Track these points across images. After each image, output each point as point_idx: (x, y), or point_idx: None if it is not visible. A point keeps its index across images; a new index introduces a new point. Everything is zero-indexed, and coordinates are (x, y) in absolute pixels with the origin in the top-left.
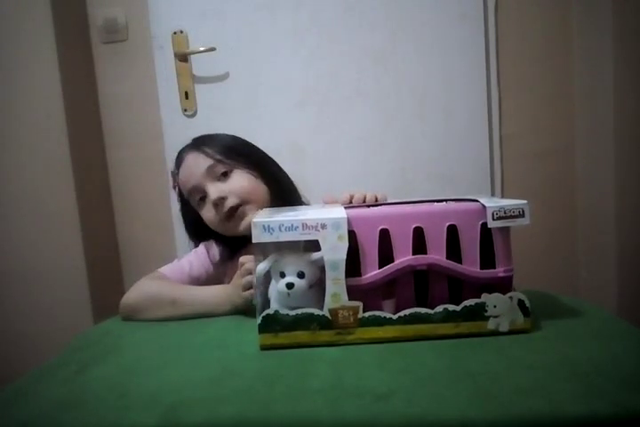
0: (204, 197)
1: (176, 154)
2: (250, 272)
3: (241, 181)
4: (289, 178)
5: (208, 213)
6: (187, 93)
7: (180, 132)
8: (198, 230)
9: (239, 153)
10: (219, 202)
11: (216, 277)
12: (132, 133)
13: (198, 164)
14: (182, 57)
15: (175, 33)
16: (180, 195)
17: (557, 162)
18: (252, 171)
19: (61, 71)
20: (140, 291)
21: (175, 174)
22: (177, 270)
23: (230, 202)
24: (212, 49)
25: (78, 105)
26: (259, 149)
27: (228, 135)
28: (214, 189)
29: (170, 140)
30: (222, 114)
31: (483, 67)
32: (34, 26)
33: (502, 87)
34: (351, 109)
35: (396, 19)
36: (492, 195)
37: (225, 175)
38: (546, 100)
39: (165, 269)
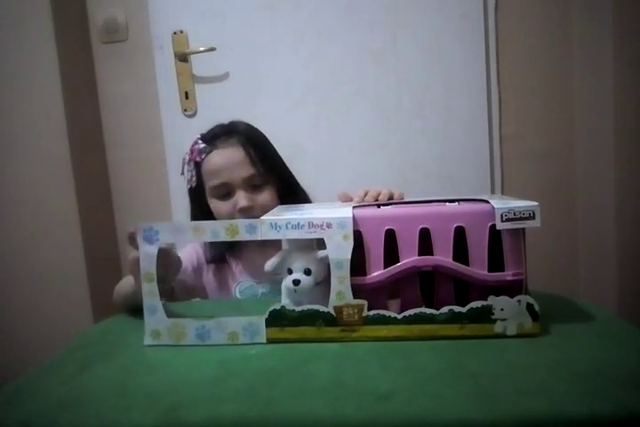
0: (227, 194)
1: (205, 133)
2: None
3: (269, 199)
4: (304, 193)
5: (222, 208)
6: (187, 93)
7: (180, 132)
8: (200, 215)
9: (276, 167)
10: (245, 210)
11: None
12: (131, 133)
13: (239, 164)
14: (182, 57)
15: (175, 33)
16: (198, 175)
17: (557, 162)
18: (277, 189)
19: (61, 71)
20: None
21: (202, 152)
22: None
23: (254, 214)
24: (212, 49)
25: (78, 105)
26: (282, 160)
27: (265, 137)
28: (245, 198)
29: (170, 141)
30: (222, 114)
31: (483, 67)
32: (34, 26)
33: (502, 87)
34: (351, 109)
35: (396, 19)
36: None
37: (257, 187)
38: (546, 100)
39: None
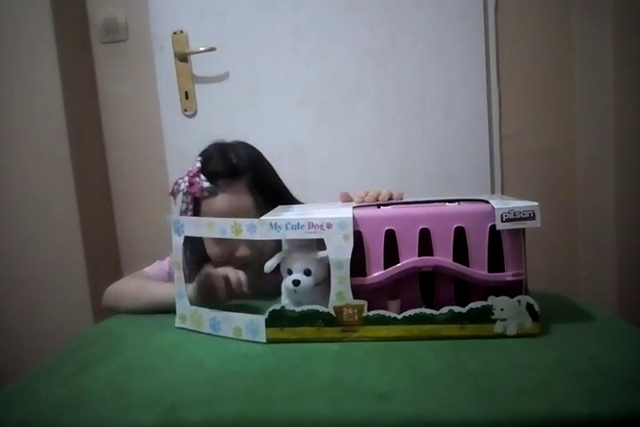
0: (224, 239)
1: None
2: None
3: (273, 241)
4: None
5: (215, 250)
6: (187, 93)
7: (180, 132)
8: (191, 249)
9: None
10: (245, 258)
11: None
12: (131, 133)
13: (245, 212)
14: (182, 57)
15: (175, 33)
16: (195, 210)
17: (557, 162)
18: None
19: (61, 71)
20: (116, 286)
21: (205, 190)
22: (158, 270)
23: (254, 259)
24: (212, 49)
25: (78, 105)
26: (286, 191)
27: (269, 169)
28: (247, 246)
29: (170, 141)
30: (222, 114)
31: (483, 67)
32: (34, 26)
33: (502, 87)
34: (351, 109)
35: (396, 19)
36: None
37: None
38: (546, 100)
39: (149, 269)
